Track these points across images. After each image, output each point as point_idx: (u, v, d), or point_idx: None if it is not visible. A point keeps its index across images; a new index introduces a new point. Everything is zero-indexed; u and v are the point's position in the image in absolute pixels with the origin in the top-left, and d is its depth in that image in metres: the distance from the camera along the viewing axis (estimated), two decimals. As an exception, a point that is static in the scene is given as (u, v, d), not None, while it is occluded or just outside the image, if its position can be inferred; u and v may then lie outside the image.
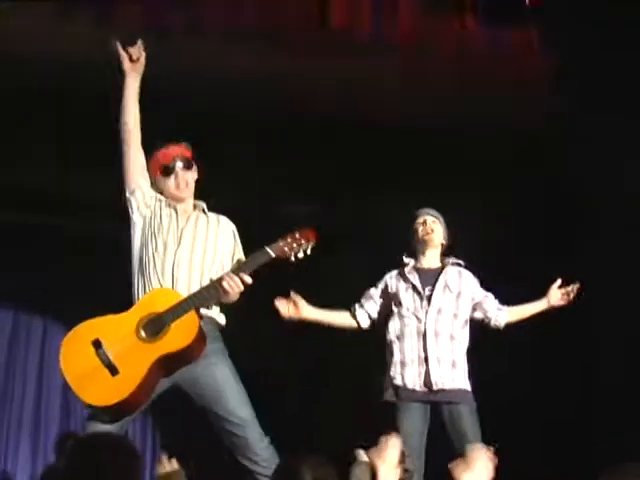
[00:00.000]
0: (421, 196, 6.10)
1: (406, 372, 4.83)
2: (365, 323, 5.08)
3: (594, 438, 6.01)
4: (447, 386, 4.79)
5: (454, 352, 4.89)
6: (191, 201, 4.27)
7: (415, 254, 5.11)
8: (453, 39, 6.03)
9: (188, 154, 4.26)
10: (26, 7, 5.56)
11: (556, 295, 5.07)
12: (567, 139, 6.27)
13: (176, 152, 4.22)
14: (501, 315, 5.06)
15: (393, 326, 4.97)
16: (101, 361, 3.82)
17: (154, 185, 4.24)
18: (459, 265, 5.09)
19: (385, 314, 5.04)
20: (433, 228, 5.08)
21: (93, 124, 5.47)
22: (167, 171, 4.19)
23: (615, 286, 5.98)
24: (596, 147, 5.99)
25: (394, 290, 5.02)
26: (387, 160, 6.46)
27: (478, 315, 5.08)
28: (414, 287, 4.95)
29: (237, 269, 3.97)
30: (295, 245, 3.98)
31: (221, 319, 4.16)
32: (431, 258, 5.08)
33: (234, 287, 3.91)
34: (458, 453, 4.33)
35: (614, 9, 5.68)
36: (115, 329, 3.89)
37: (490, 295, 5.09)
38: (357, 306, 5.10)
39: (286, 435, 4.21)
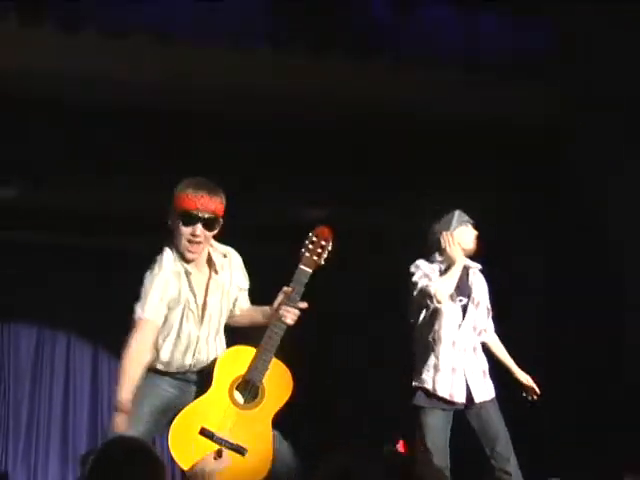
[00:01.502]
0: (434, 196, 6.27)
1: (439, 378, 4.65)
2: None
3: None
4: (483, 398, 4.68)
5: (482, 362, 4.76)
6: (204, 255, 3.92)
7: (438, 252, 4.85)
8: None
9: (220, 211, 3.81)
10: None
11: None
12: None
13: (205, 206, 3.75)
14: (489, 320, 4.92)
15: (429, 327, 4.73)
16: (224, 447, 3.64)
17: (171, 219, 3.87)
18: (480, 271, 4.90)
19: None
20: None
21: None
22: (186, 220, 3.77)
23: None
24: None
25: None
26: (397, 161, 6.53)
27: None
28: (451, 296, 4.72)
29: (288, 299, 3.83)
30: (320, 250, 3.89)
31: None
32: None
33: (295, 318, 3.81)
34: (488, 451, 4.54)
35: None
36: (212, 411, 3.70)
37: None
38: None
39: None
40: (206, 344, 3.86)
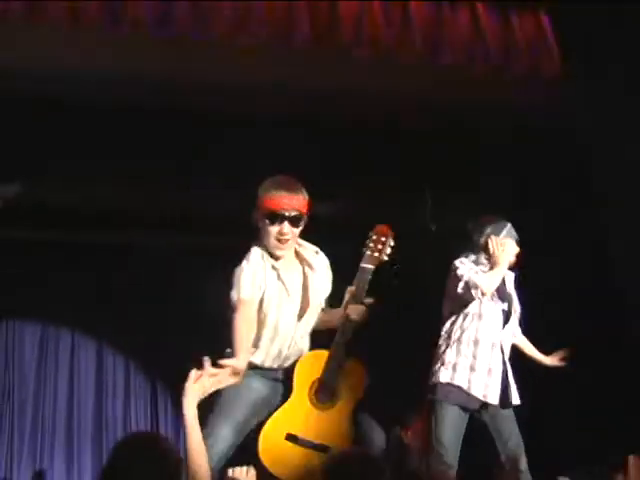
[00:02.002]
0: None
1: (474, 378, 4.69)
2: None
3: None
4: (517, 401, 4.76)
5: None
6: (291, 251, 4.06)
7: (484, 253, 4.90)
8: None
9: (304, 208, 3.96)
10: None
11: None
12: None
13: (290, 205, 3.91)
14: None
15: (468, 327, 4.77)
16: (308, 448, 3.83)
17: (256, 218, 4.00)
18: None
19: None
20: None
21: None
22: (272, 220, 3.93)
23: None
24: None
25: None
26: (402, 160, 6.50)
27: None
28: (492, 298, 4.79)
29: (355, 298, 3.98)
30: (381, 246, 4.03)
31: None
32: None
33: (361, 315, 3.95)
34: (501, 452, 4.62)
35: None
36: (295, 416, 3.90)
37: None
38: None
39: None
40: (301, 340, 4.03)
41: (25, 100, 5.47)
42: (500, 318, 4.78)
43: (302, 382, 3.95)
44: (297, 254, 4.06)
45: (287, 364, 4.03)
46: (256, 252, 3.97)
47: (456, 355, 4.72)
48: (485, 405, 4.68)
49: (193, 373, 3.10)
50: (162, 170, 6.21)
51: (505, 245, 4.78)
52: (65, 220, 6.73)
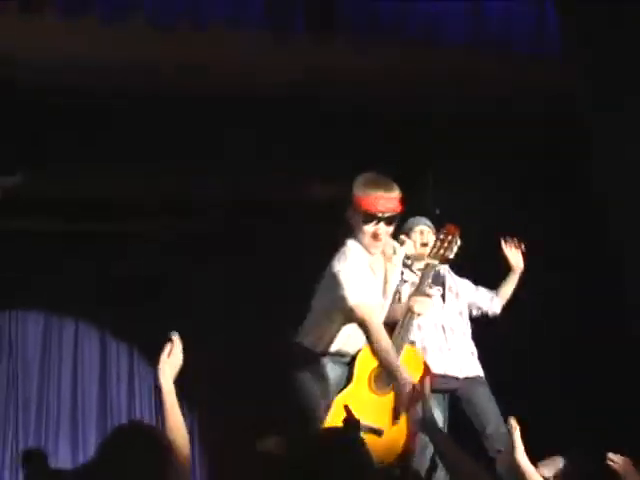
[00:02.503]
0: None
1: (428, 358, 4.86)
2: None
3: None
4: (470, 374, 5.00)
5: (468, 344, 5.12)
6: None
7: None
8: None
9: (398, 207, 4.01)
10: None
11: (514, 257, 5.32)
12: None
13: (385, 206, 3.96)
14: (494, 304, 5.31)
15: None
16: (364, 432, 3.81)
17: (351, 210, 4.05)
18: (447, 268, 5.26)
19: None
20: (429, 239, 5.14)
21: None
22: (368, 220, 3.97)
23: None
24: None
25: (408, 279, 4.99)
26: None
27: (476, 313, 5.31)
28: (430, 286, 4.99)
29: (417, 291, 4.13)
30: (447, 244, 4.17)
31: None
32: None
33: (423, 306, 4.08)
34: (480, 432, 4.84)
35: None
36: (354, 401, 3.91)
37: (478, 288, 5.31)
38: None
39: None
40: None
41: (25, 89, 5.52)
42: (438, 301, 4.95)
43: (363, 369, 4.07)
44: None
45: (353, 350, 4.16)
46: (355, 246, 4.03)
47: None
48: (461, 378, 4.93)
49: (167, 348, 3.15)
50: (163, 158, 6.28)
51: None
52: (65, 210, 6.82)
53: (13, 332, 7.42)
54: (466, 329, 5.17)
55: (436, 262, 4.16)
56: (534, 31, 6.05)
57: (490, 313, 5.34)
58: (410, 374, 3.81)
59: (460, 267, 5.32)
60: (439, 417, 4.71)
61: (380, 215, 3.93)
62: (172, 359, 3.18)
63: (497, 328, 6.13)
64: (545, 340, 6.73)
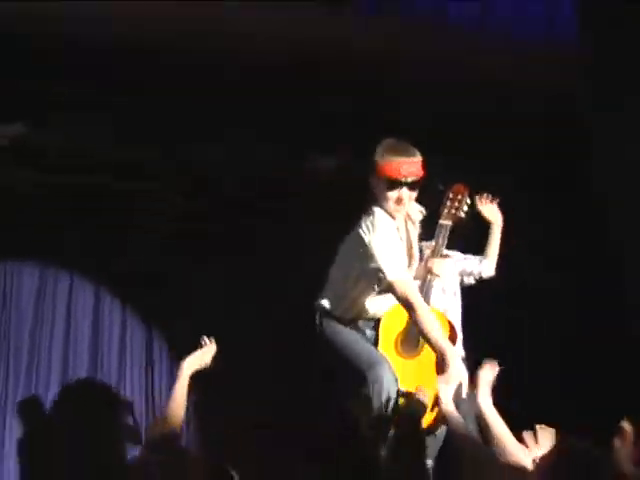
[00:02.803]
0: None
1: None
2: None
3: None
4: None
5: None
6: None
7: None
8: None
9: (420, 172, 4.12)
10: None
11: (490, 212, 5.48)
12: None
13: (408, 171, 4.08)
14: (484, 265, 5.42)
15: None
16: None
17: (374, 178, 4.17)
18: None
19: None
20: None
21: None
22: (391, 186, 4.10)
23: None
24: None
25: None
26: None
27: (469, 280, 5.45)
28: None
29: (433, 253, 4.26)
30: (457, 204, 4.28)
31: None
32: None
33: (440, 268, 4.22)
34: None
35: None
36: None
37: (467, 256, 5.44)
38: None
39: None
40: None
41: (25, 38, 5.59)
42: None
43: (388, 332, 4.16)
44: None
45: (379, 314, 4.29)
46: (381, 215, 4.10)
47: None
48: None
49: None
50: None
51: None
52: (67, 164, 6.81)
53: (8, 284, 7.38)
54: (452, 305, 5.29)
55: (449, 222, 4.26)
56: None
57: (484, 276, 5.47)
58: None
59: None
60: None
61: (402, 180, 4.03)
62: (200, 357, 3.37)
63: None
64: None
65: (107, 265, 7.43)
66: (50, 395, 7.24)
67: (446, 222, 4.25)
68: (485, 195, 5.49)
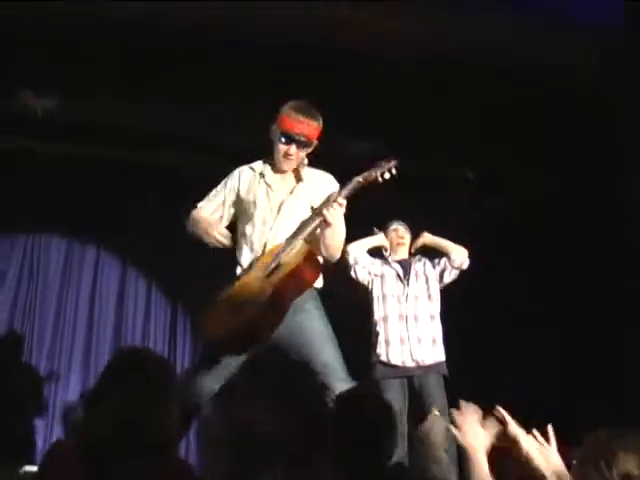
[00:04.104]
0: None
1: (390, 350, 5.59)
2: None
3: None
4: (427, 362, 5.59)
5: (434, 330, 5.69)
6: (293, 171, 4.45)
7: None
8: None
9: (313, 135, 4.34)
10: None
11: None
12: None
13: (301, 129, 4.29)
14: (455, 256, 5.83)
15: (378, 309, 5.76)
16: (243, 300, 4.13)
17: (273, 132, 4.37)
18: (422, 258, 5.97)
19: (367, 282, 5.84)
20: (403, 235, 6.04)
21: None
22: (283, 139, 4.33)
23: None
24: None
25: (379, 273, 5.85)
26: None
27: (447, 278, 5.86)
28: (398, 275, 5.82)
29: (331, 200, 4.24)
30: (379, 168, 4.30)
31: (318, 283, 4.40)
32: (401, 254, 6.02)
33: (333, 213, 4.17)
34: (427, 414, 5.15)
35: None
36: (237, 288, 4.23)
37: (440, 259, 5.85)
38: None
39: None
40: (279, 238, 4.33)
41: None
42: (404, 291, 5.73)
43: (265, 257, 4.26)
44: (295, 171, 4.44)
45: None
46: (239, 169, 4.50)
47: (376, 335, 5.66)
48: (415, 372, 5.53)
49: None
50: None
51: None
52: (99, 136, 6.83)
53: (35, 255, 7.45)
54: (436, 311, 5.75)
55: (361, 180, 4.27)
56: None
57: (458, 264, 5.83)
58: (291, 264, 4.13)
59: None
60: (399, 402, 5.35)
61: (294, 136, 4.29)
62: None
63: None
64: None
65: (133, 236, 7.48)
66: (75, 364, 7.34)
67: (360, 180, 4.28)
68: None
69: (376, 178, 4.27)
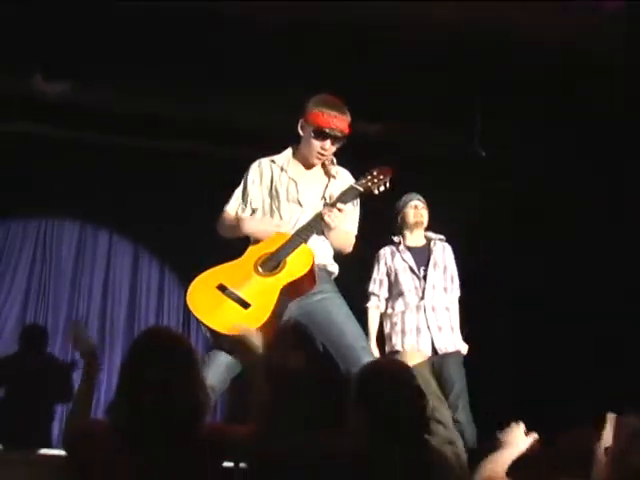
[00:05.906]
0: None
1: (406, 340, 5.46)
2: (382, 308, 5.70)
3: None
4: (450, 349, 5.48)
5: (451, 320, 5.57)
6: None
7: (400, 231, 5.76)
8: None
9: (347, 129, 4.34)
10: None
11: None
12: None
13: (337, 125, 4.29)
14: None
15: (394, 303, 5.61)
16: (231, 299, 4.01)
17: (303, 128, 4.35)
18: (441, 240, 5.73)
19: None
20: (422, 213, 5.71)
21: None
22: (318, 135, 4.32)
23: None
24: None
25: (393, 269, 5.64)
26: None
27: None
28: (411, 268, 5.60)
29: (332, 203, 4.28)
30: (376, 181, 4.36)
31: (333, 268, 4.42)
32: (417, 236, 5.72)
33: (333, 218, 4.20)
34: (446, 397, 5.22)
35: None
36: (234, 273, 4.11)
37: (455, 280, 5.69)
38: (374, 299, 5.69)
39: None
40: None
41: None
42: (421, 284, 5.54)
43: (255, 250, 4.21)
44: (323, 165, 4.45)
45: None
46: (258, 162, 4.46)
47: (393, 326, 5.54)
48: (435, 359, 5.43)
49: None
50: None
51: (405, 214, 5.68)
52: (112, 122, 6.79)
53: (48, 239, 7.49)
54: (452, 304, 5.62)
55: (360, 189, 4.32)
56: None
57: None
58: (293, 268, 4.10)
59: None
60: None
61: (330, 132, 4.29)
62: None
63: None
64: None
65: (146, 219, 7.49)
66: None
67: (359, 188, 4.33)
68: None
69: (372, 191, 4.35)
